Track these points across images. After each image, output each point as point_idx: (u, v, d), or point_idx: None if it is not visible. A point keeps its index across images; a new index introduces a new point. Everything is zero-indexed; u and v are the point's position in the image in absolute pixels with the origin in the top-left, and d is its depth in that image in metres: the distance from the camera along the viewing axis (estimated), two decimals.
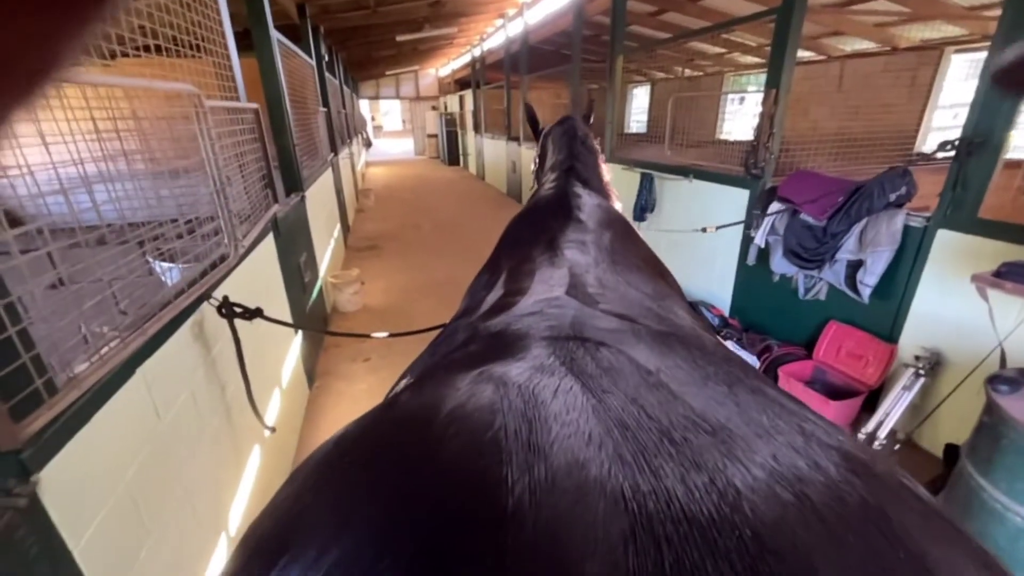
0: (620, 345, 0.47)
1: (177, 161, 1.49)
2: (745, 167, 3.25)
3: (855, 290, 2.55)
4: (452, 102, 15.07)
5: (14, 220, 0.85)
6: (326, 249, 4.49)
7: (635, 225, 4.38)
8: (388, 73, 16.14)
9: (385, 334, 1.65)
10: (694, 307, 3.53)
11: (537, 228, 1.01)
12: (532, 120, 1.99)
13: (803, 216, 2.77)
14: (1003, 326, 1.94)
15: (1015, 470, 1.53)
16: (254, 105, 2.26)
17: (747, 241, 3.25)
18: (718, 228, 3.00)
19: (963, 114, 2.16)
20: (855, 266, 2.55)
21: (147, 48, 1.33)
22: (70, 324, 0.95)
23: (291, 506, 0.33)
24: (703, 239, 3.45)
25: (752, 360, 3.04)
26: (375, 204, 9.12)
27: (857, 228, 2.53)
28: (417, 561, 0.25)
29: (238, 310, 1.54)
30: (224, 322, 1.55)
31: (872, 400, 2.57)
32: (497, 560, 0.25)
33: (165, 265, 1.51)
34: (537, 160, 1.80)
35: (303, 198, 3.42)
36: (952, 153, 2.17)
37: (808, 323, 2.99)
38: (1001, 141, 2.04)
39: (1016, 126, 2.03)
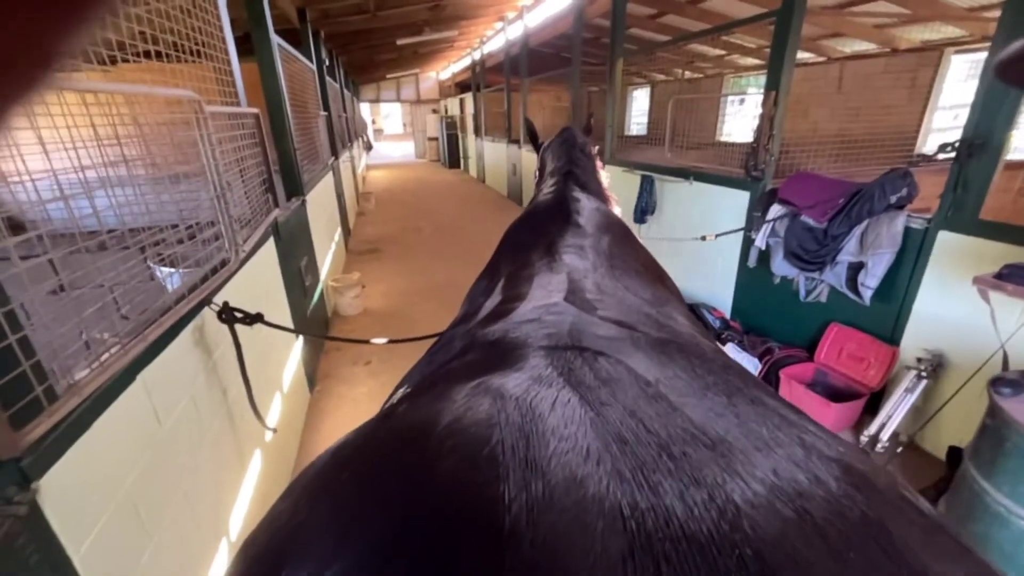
0: (619, 354, 0.47)
1: (178, 166, 1.49)
2: (745, 169, 3.25)
3: (856, 292, 2.55)
4: (452, 105, 15.11)
5: (16, 225, 0.85)
6: (327, 253, 4.50)
7: (635, 228, 4.38)
8: (389, 76, 16.18)
9: (384, 340, 1.64)
10: (694, 310, 3.54)
11: (536, 233, 1.01)
12: (532, 135, 2.03)
13: (804, 218, 2.77)
14: (1005, 328, 1.93)
15: (1019, 473, 1.53)
16: (254, 110, 2.27)
17: (748, 243, 3.25)
18: (717, 236, 3.00)
19: (964, 115, 2.16)
20: (856, 268, 2.55)
21: (148, 54, 1.33)
22: (71, 330, 0.95)
23: (288, 520, 0.32)
24: (704, 241, 3.44)
25: (753, 362, 3.03)
26: (376, 207, 9.13)
27: (858, 230, 2.53)
28: None
29: (239, 315, 1.54)
30: (225, 327, 1.55)
31: (874, 402, 2.56)
32: None
33: (166, 270, 1.51)
34: (537, 173, 1.83)
35: (304, 202, 3.42)
36: (953, 155, 2.17)
37: (809, 325, 2.98)
38: (1001, 142, 2.03)
39: (1016, 127, 2.03)
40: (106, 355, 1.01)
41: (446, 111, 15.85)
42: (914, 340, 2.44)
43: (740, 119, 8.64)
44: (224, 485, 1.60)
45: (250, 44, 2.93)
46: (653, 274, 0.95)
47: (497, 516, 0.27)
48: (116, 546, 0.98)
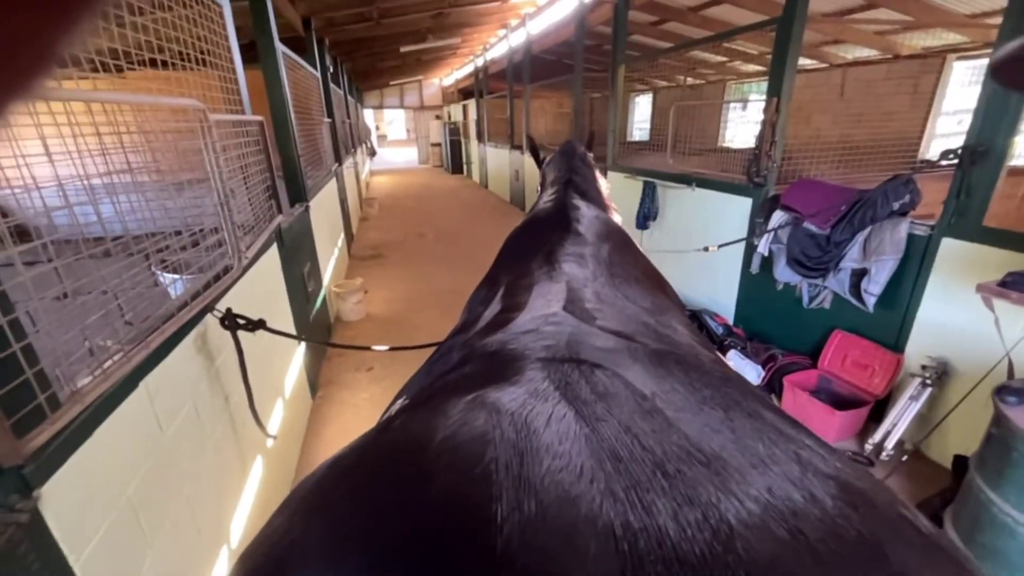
0: (616, 366, 0.47)
1: (182, 174, 1.51)
2: (747, 175, 3.25)
3: (859, 299, 2.53)
4: (456, 111, 15.20)
5: (21, 232, 0.86)
6: (330, 258, 4.51)
7: (638, 234, 4.38)
8: (392, 83, 16.30)
9: (386, 347, 1.65)
10: (698, 316, 3.52)
11: (536, 241, 1.01)
12: (534, 152, 2.07)
13: (806, 224, 2.77)
14: (1010, 336, 1.92)
15: None
16: (259, 117, 2.29)
17: (751, 249, 3.24)
18: (720, 247, 2.99)
19: (967, 120, 2.16)
20: (859, 275, 2.54)
21: (154, 62, 1.35)
22: (74, 337, 0.96)
23: (283, 536, 0.33)
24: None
25: (757, 370, 3.01)
26: (379, 213, 9.17)
27: (861, 236, 2.52)
28: None
29: (241, 322, 1.55)
30: (227, 334, 1.56)
31: (879, 410, 2.54)
32: None
33: (170, 277, 1.52)
34: (540, 189, 1.85)
35: (307, 208, 3.44)
36: (956, 161, 2.17)
37: (813, 332, 2.97)
38: (1004, 149, 2.03)
39: (1019, 133, 2.02)
40: (109, 362, 1.02)
41: (449, 117, 15.94)
42: (918, 347, 2.42)
43: (742, 125, 8.65)
44: (226, 492, 1.60)
45: (255, 52, 2.96)
46: (653, 282, 0.95)
47: (489, 537, 0.27)
48: (117, 553, 0.98)
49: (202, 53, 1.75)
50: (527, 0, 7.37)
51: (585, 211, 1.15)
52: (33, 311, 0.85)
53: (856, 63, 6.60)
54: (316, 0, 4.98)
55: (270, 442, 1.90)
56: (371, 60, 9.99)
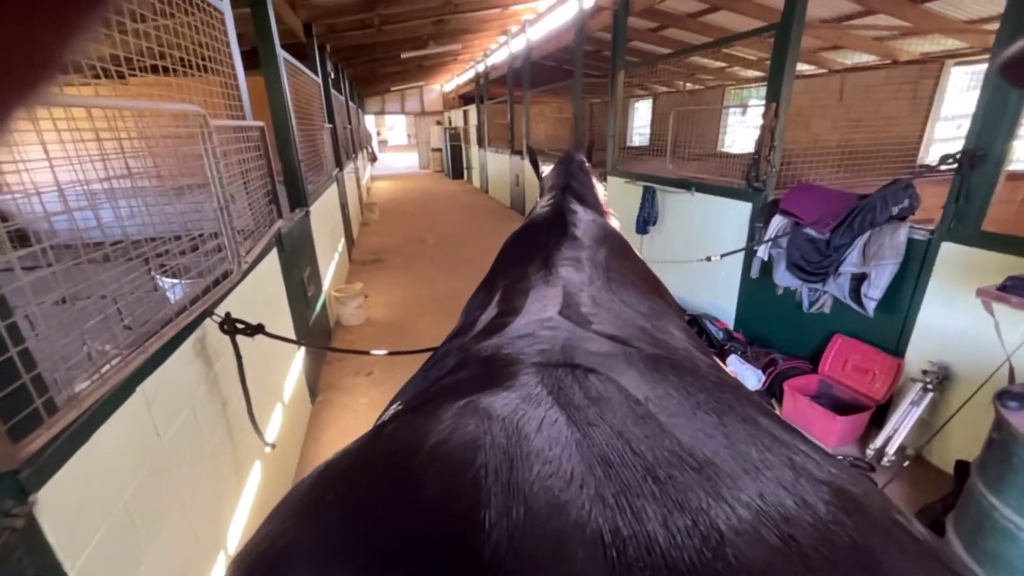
0: (611, 371, 0.47)
1: (182, 179, 1.51)
2: (747, 180, 3.25)
3: (860, 303, 2.53)
4: (456, 117, 15.26)
5: (21, 236, 0.87)
6: (330, 263, 4.52)
7: (638, 238, 4.39)
8: (393, 89, 16.38)
9: (385, 352, 1.65)
10: (698, 321, 3.52)
11: (533, 245, 1.01)
12: (534, 162, 2.09)
13: (806, 229, 2.77)
14: (1010, 340, 1.91)
15: None
16: (260, 123, 2.30)
17: (750, 254, 3.24)
18: (723, 256, 2.99)
19: (966, 125, 2.16)
20: (859, 279, 2.54)
21: (156, 69, 1.36)
22: (73, 342, 0.96)
23: (273, 543, 0.33)
24: (706, 251, 3.44)
25: (757, 374, 3.00)
26: (379, 218, 9.19)
27: (860, 241, 2.52)
28: None
29: (240, 326, 1.55)
30: (226, 338, 1.55)
31: (880, 415, 2.53)
32: None
33: (169, 281, 1.52)
34: (539, 197, 1.87)
35: (307, 213, 3.45)
36: (954, 166, 2.17)
37: (813, 336, 2.96)
38: (1003, 153, 2.03)
39: (1018, 138, 2.03)
40: (107, 367, 1.02)
41: (450, 123, 16.01)
42: (919, 352, 2.42)
43: (741, 130, 8.67)
44: (223, 497, 1.59)
45: (257, 58, 2.98)
46: (650, 286, 0.94)
47: (477, 543, 0.27)
48: (113, 560, 0.98)
49: (204, 59, 1.76)
50: (527, 7, 7.41)
51: (582, 215, 1.15)
52: (32, 315, 0.85)
53: (855, 68, 6.63)
54: (317, 7, 5.02)
55: (268, 449, 1.90)
56: (372, 66, 10.05)
